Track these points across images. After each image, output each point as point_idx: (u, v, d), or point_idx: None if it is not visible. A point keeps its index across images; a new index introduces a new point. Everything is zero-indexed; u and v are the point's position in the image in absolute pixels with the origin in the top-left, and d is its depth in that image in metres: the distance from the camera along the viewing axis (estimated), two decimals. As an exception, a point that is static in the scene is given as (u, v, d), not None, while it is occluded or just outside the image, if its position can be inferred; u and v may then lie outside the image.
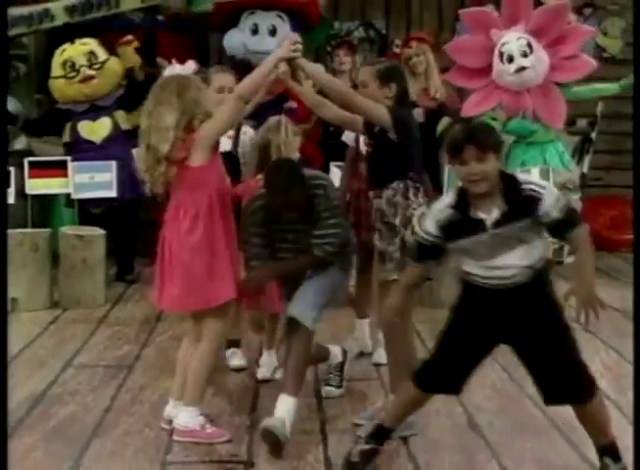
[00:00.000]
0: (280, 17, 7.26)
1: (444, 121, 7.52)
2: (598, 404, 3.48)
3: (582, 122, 8.47)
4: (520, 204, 3.35)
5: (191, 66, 4.18)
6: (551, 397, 3.49)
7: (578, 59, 6.68)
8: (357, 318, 5.35)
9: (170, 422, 4.12)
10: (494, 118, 6.95)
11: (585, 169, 8.25)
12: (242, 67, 6.23)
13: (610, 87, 7.26)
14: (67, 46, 7.33)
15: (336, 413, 4.44)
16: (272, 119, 4.78)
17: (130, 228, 7.17)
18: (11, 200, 6.49)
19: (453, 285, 6.32)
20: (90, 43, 7.32)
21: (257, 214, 4.17)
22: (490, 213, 3.37)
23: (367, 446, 3.65)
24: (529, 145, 6.93)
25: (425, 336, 5.58)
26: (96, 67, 7.23)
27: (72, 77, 7.19)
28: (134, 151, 4.16)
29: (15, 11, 7.53)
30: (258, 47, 7.08)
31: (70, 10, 7.57)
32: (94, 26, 7.62)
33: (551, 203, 3.33)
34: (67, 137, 7.32)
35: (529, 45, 6.56)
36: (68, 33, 7.72)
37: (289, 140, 4.70)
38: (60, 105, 7.36)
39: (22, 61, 8.64)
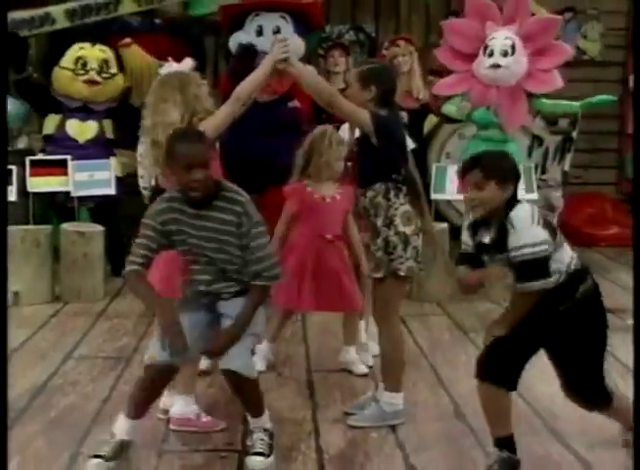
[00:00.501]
0: (284, 18, 7.24)
1: (432, 121, 7.54)
2: (616, 409, 3.61)
3: (564, 122, 8.45)
4: (503, 235, 3.36)
5: (188, 63, 4.19)
6: (570, 395, 3.58)
7: (552, 74, 6.67)
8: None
9: (166, 412, 4.10)
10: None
11: (567, 167, 8.26)
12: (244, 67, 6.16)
13: (572, 105, 7.31)
14: (86, 45, 7.28)
15: (327, 403, 4.43)
16: (318, 128, 4.78)
17: (114, 225, 7.09)
18: (13, 197, 6.46)
19: (441, 279, 6.42)
20: (107, 52, 7.30)
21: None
22: (488, 238, 3.43)
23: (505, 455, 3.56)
24: (484, 141, 6.91)
25: (412, 328, 5.58)
26: (105, 75, 7.20)
27: (79, 75, 7.17)
28: (139, 146, 4.16)
29: (17, 14, 7.51)
30: (265, 47, 7.04)
31: (71, 13, 7.55)
32: (93, 29, 7.58)
33: (513, 245, 3.32)
34: (50, 129, 7.27)
35: (513, 47, 6.55)
36: (69, 36, 7.69)
37: (332, 149, 4.68)
38: (54, 93, 7.30)
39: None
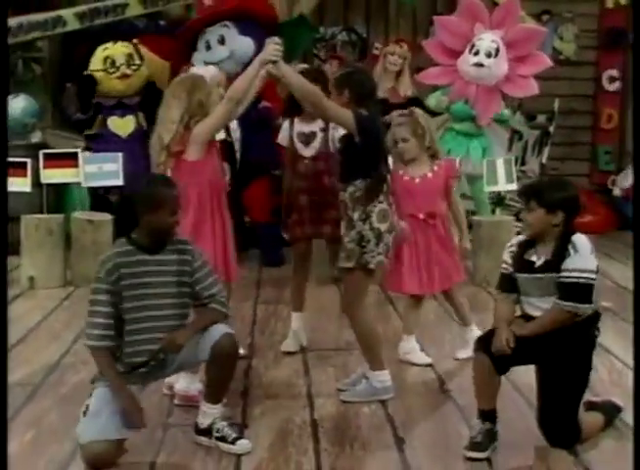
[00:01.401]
0: (225, 26, 7.21)
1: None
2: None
3: (542, 118, 8.47)
4: (560, 257, 3.41)
5: (212, 70, 4.16)
6: (543, 427, 3.55)
7: (529, 80, 6.70)
8: (293, 312, 4.96)
9: (171, 388, 4.08)
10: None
11: (544, 160, 8.24)
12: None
13: (511, 120, 7.55)
14: (109, 45, 7.37)
15: (321, 379, 4.41)
16: (396, 115, 4.71)
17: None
18: (27, 188, 6.43)
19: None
20: (129, 46, 7.39)
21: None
22: (539, 259, 3.46)
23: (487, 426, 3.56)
24: (458, 134, 6.98)
25: (400, 310, 5.54)
26: (133, 68, 7.32)
27: (112, 73, 7.24)
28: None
29: (31, 17, 7.49)
30: (211, 58, 7.02)
31: (81, 16, 7.53)
32: (102, 31, 7.55)
33: (571, 266, 3.38)
34: (95, 129, 7.32)
35: (497, 50, 6.57)
36: (80, 38, 7.66)
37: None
38: (95, 99, 7.37)
39: (38, 63, 8.56)
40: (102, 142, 7.18)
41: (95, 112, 7.39)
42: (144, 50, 7.43)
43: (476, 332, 4.54)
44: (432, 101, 7.16)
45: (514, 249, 3.58)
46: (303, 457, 3.47)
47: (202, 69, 4.13)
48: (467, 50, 6.67)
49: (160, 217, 3.43)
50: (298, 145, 4.67)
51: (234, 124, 4.84)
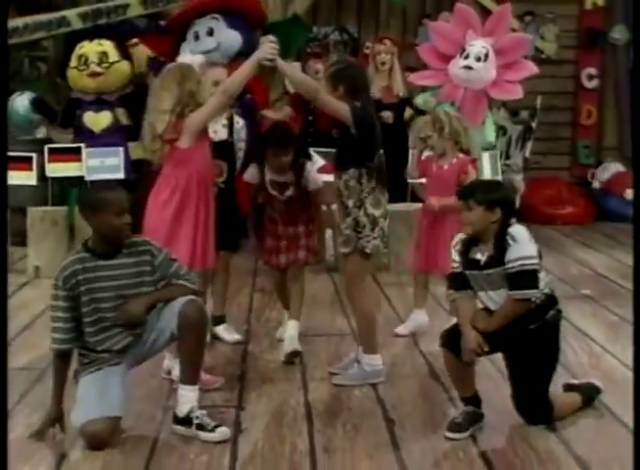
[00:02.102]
0: (215, 18, 7.16)
1: (409, 112, 7.50)
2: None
3: (524, 114, 8.46)
4: (501, 251, 3.38)
5: (200, 58, 4.11)
6: (518, 408, 3.56)
7: (515, 85, 6.71)
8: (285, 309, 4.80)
9: (169, 372, 4.04)
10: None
11: (527, 154, 8.24)
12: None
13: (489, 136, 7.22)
14: (85, 43, 7.22)
15: (314, 364, 4.38)
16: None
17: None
18: (33, 182, 6.39)
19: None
20: (105, 45, 7.20)
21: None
22: (483, 255, 3.44)
23: (469, 409, 3.56)
24: None
25: (391, 296, 5.53)
26: (105, 66, 7.09)
27: (82, 70, 7.10)
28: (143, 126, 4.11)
29: (37, 18, 7.44)
30: (199, 48, 6.95)
31: (84, 16, 7.46)
32: (104, 31, 7.48)
33: (514, 256, 3.35)
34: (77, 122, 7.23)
35: (487, 55, 6.58)
36: (83, 37, 7.59)
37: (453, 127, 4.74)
38: (72, 94, 7.24)
39: (44, 61, 8.52)
40: (76, 136, 7.06)
41: (72, 107, 7.24)
42: (140, 51, 7.34)
43: (423, 316, 4.91)
44: (419, 101, 7.15)
45: (459, 247, 3.54)
46: (298, 438, 3.45)
47: (188, 57, 4.06)
48: (457, 54, 6.69)
49: (104, 220, 3.37)
50: (273, 191, 4.52)
51: (239, 124, 4.77)
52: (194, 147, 3.91)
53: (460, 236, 3.56)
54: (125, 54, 7.28)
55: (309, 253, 4.61)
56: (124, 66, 7.23)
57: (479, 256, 3.46)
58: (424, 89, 7.30)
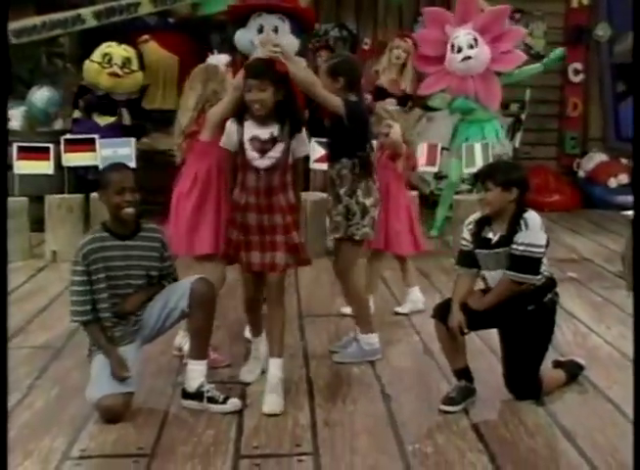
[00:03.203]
0: (281, 19, 7.10)
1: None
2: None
3: (514, 106, 8.43)
4: (512, 232, 3.37)
5: (223, 58, 4.11)
6: (508, 386, 3.56)
7: (513, 53, 6.69)
8: (253, 337, 3.97)
9: (180, 350, 4.03)
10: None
11: (517, 144, 8.20)
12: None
13: (535, 66, 7.32)
14: (113, 44, 7.25)
15: (315, 343, 4.37)
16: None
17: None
18: (50, 171, 6.35)
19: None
20: (130, 52, 7.28)
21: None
22: (495, 235, 3.42)
23: (462, 384, 3.55)
24: (471, 123, 6.90)
25: (388, 279, 5.51)
26: (126, 71, 7.18)
27: (105, 68, 7.11)
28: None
29: (53, 16, 7.38)
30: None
31: (98, 14, 7.40)
32: (117, 28, 7.45)
33: (522, 240, 3.34)
34: (78, 114, 7.25)
35: (475, 40, 6.57)
36: (97, 34, 7.56)
37: None
38: (84, 82, 7.25)
39: (60, 57, 8.49)
40: (82, 126, 7.07)
41: (83, 94, 7.26)
42: (150, 47, 7.33)
43: (417, 294, 4.90)
44: (436, 101, 7.11)
45: (471, 227, 3.53)
46: (300, 412, 3.44)
47: (215, 57, 4.05)
48: (448, 51, 6.63)
49: (107, 197, 3.42)
50: (252, 154, 3.52)
51: None
52: (214, 140, 3.88)
53: (474, 216, 3.55)
54: (142, 62, 7.31)
55: (290, 254, 3.55)
56: (140, 76, 7.33)
57: (490, 235, 3.45)
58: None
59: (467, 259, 3.54)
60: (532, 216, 3.41)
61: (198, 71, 4.08)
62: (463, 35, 6.53)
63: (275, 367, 3.53)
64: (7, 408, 3.26)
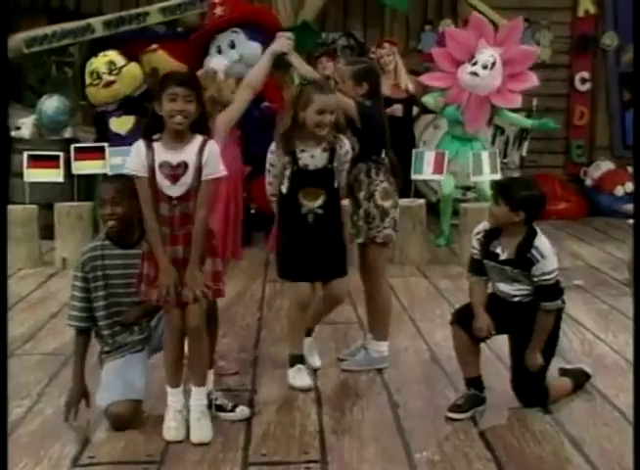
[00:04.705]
0: (234, 32, 7.17)
1: (416, 110, 7.50)
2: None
3: (521, 115, 8.41)
4: (523, 257, 3.36)
5: (222, 62, 4.07)
6: (516, 391, 3.56)
7: (516, 95, 6.71)
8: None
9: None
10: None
11: (524, 153, 8.20)
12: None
13: (525, 121, 7.45)
14: (93, 60, 7.25)
15: (323, 350, 4.35)
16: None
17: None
18: (60, 179, 6.37)
19: (419, 246, 6.39)
20: (110, 54, 7.23)
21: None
22: (503, 253, 3.41)
23: (471, 392, 3.55)
24: (454, 138, 6.95)
25: (395, 287, 5.50)
26: (115, 73, 7.14)
27: (97, 84, 7.12)
28: None
29: (64, 26, 7.45)
30: (223, 61, 6.90)
31: (107, 24, 7.47)
32: (126, 37, 7.49)
33: (543, 271, 3.35)
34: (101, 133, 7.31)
35: (494, 64, 6.58)
36: (106, 43, 7.60)
37: None
38: (98, 109, 7.30)
39: (70, 66, 8.53)
40: (111, 141, 6.98)
41: (101, 120, 7.32)
42: (159, 56, 7.34)
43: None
44: (429, 99, 7.10)
45: (480, 237, 3.50)
46: (307, 420, 3.44)
47: (213, 61, 4.05)
48: (467, 61, 6.68)
49: (100, 209, 3.44)
50: (163, 181, 3.12)
51: (343, 149, 4.64)
52: (223, 147, 3.88)
53: (483, 225, 3.53)
54: (131, 58, 7.28)
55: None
56: (133, 68, 7.26)
57: (498, 250, 3.43)
58: (427, 90, 7.26)
59: (477, 267, 3.54)
60: (544, 244, 3.38)
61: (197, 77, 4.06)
62: (487, 54, 6.60)
63: (198, 396, 3.32)
64: (7, 412, 3.29)
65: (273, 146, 3.83)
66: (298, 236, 3.76)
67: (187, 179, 3.13)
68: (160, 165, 3.12)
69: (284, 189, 3.77)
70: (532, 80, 6.73)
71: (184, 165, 3.13)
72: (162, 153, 3.14)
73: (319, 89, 3.67)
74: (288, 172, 3.73)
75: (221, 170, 3.21)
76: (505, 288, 3.47)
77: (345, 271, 3.86)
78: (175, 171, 3.12)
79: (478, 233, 3.53)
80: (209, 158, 3.16)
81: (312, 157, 3.70)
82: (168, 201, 3.14)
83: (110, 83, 7.09)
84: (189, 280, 3.14)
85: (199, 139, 3.18)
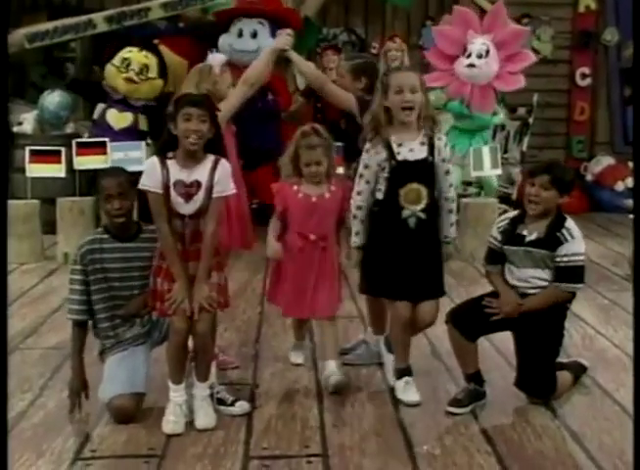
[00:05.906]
0: (261, 23, 7.15)
1: None
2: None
3: (522, 110, 8.42)
4: (553, 237, 3.35)
5: (219, 58, 4.09)
6: (523, 388, 3.54)
7: (517, 75, 6.64)
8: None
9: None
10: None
11: (524, 148, 8.19)
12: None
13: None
14: (134, 49, 7.13)
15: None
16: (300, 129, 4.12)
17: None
18: (62, 174, 6.37)
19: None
20: (150, 58, 7.14)
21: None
22: (531, 234, 3.39)
23: (471, 387, 3.55)
24: (461, 132, 6.93)
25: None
26: (142, 77, 7.05)
27: (121, 72, 7.05)
28: None
29: (65, 21, 7.42)
30: (241, 47, 6.95)
31: (109, 19, 7.43)
32: (128, 33, 7.47)
33: (573, 251, 3.35)
34: (96, 115, 7.23)
35: (487, 51, 6.52)
36: (108, 39, 7.58)
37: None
38: (104, 84, 7.20)
39: (71, 62, 8.53)
40: (98, 129, 7.05)
41: (101, 95, 7.24)
42: (165, 51, 7.31)
43: (332, 368, 3.70)
44: (431, 97, 7.07)
45: (504, 224, 3.51)
46: (309, 414, 3.44)
47: (210, 56, 4.04)
48: (461, 54, 6.64)
49: (101, 203, 3.44)
50: (177, 199, 3.20)
51: (442, 140, 4.58)
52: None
53: (508, 214, 3.55)
54: (164, 70, 7.21)
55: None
56: (158, 83, 7.17)
57: (525, 232, 3.43)
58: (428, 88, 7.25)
59: (495, 257, 3.53)
60: (574, 226, 3.41)
61: (191, 74, 4.05)
62: (479, 43, 6.55)
63: (202, 387, 3.37)
64: (6, 409, 3.29)
65: (368, 144, 3.52)
66: (396, 245, 3.45)
67: (199, 198, 3.21)
68: (175, 184, 3.19)
69: (379, 195, 3.49)
70: (530, 58, 6.68)
71: (197, 184, 3.21)
72: (177, 171, 3.20)
73: (396, 70, 3.60)
74: (386, 171, 3.44)
75: (231, 188, 3.29)
76: (521, 274, 3.44)
77: (443, 292, 3.60)
78: (188, 190, 3.20)
79: (501, 221, 3.54)
80: (221, 177, 3.24)
81: (411, 151, 3.44)
82: (181, 218, 3.23)
83: (130, 81, 7.05)
84: (196, 293, 3.22)
85: (211, 159, 3.25)
